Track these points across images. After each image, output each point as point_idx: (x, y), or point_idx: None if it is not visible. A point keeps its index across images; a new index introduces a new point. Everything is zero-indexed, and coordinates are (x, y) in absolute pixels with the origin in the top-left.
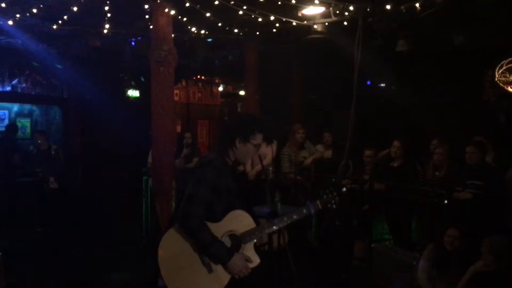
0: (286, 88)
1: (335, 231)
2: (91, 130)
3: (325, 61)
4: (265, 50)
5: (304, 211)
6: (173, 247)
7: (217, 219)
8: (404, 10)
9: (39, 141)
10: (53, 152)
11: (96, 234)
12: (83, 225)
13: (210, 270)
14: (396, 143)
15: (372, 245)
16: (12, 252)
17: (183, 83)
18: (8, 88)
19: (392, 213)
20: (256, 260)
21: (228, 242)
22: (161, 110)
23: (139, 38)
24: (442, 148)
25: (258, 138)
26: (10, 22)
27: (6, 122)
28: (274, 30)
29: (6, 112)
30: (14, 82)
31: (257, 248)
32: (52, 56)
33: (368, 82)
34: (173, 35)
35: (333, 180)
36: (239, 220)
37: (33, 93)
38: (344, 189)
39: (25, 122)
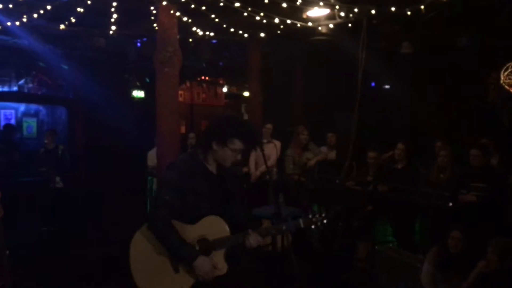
0: (289, 89)
1: (337, 232)
2: (96, 130)
3: (328, 63)
4: (269, 51)
5: (284, 227)
6: (143, 246)
7: (189, 220)
8: (408, 12)
9: (46, 141)
10: (60, 152)
11: (101, 233)
12: (88, 225)
13: (176, 271)
14: (400, 145)
15: (376, 247)
16: (17, 251)
17: (187, 84)
18: (15, 88)
19: (395, 215)
20: (224, 268)
21: (196, 247)
22: (166, 110)
23: (145, 39)
24: (446, 151)
25: (236, 143)
26: (17, 23)
27: (13, 122)
28: (279, 32)
29: (13, 112)
30: (20, 82)
31: (260, 249)
32: (58, 56)
33: (373, 84)
34: (178, 37)
35: (337, 181)
36: (213, 226)
37: (39, 93)
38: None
39: (32, 122)
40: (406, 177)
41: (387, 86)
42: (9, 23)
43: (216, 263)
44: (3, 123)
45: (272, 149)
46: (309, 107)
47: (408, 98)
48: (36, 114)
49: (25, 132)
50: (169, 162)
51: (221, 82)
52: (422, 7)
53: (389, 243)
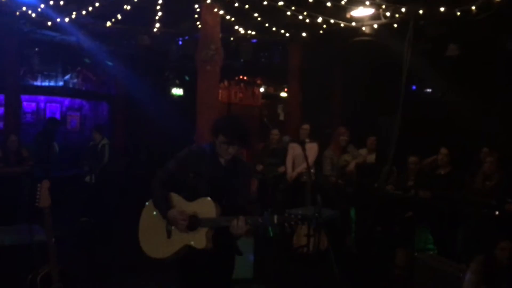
0: (329, 90)
1: (375, 238)
2: (136, 126)
3: (370, 64)
4: (309, 52)
5: (260, 220)
6: (149, 214)
7: (187, 196)
8: (458, 13)
9: (94, 136)
10: (99, 147)
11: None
12: (124, 218)
13: (169, 236)
14: (443, 150)
15: (415, 254)
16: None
17: (225, 83)
18: (61, 83)
19: (437, 223)
20: (202, 243)
21: (190, 220)
22: (206, 108)
23: (186, 37)
24: (492, 157)
25: (221, 137)
26: (66, 19)
27: (58, 115)
28: (321, 31)
29: (58, 106)
30: (66, 77)
31: (295, 250)
32: (103, 53)
33: (414, 87)
34: (220, 35)
35: (376, 185)
36: (205, 207)
37: (83, 88)
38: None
39: (75, 116)
40: (449, 184)
41: (429, 90)
42: (58, 20)
43: (200, 236)
44: (48, 116)
45: (310, 150)
46: (349, 109)
47: (452, 102)
48: (79, 109)
49: (68, 126)
50: None
51: (258, 82)
52: (473, 7)
53: (430, 251)
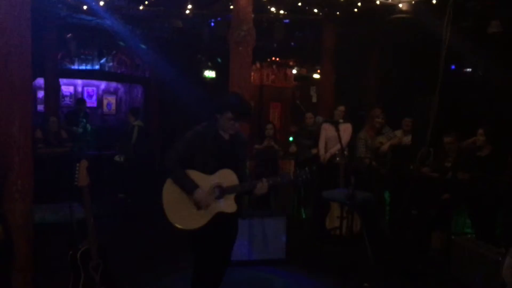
0: (363, 71)
1: (410, 221)
2: (170, 108)
3: (407, 43)
4: (344, 31)
5: (279, 179)
6: (171, 191)
7: (206, 172)
8: None
9: (128, 118)
10: (129, 128)
11: None
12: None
13: (198, 207)
14: (480, 131)
15: (453, 237)
16: (99, 217)
17: (257, 65)
18: (97, 67)
19: (476, 206)
20: (233, 207)
21: (216, 192)
22: (239, 90)
23: (219, 19)
24: None
25: (228, 114)
26: (101, 3)
27: (95, 98)
28: (356, 10)
29: (95, 89)
30: (102, 61)
31: (327, 232)
32: (137, 37)
33: (453, 67)
34: (252, 15)
35: (411, 167)
36: (227, 176)
37: (118, 72)
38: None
39: (111, 99)
40: (490, 166)
41: (469, 69)
42: (93, 3)
43: (229, 202)
44: (86, 99)
45: (344, 131)
46: (384, 90)
47: (495, 81)
48: (115, 92)
49: (105, 109)
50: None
51: (291, 63)
52: None
53: (467, 235)
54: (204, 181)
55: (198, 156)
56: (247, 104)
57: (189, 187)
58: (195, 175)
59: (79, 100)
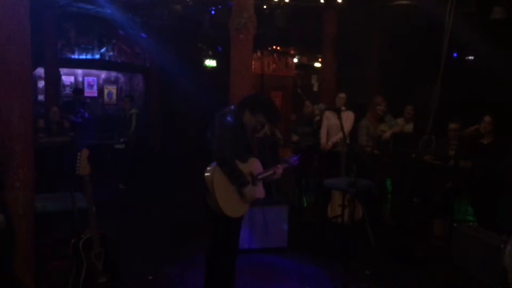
0: (365, 58)
1: (411, 208)
2: (170, 97)
3: (409, 30)
4: (345, 19)
5: (286, 163)
6: (221, 180)
7: (238, 159)
8: None
9: (123, 105)
10: (127, 116)
11: (174, 195)
12: (162, 187)
13: (241, 196)
14: (487, 118)
15: (454, 225)
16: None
17: (258, 53)
18: (97, 56)
19: (478, 193)
20: (263, 193)
21: (250, 179)
22: (239, 77)
23: (219, 6)
24: None
25: (261, 117)
26: None
27: (95, 88)
28: None
29: (95, 78)
30: (102, 50)
31: (329, 220)
32: (136, 25)
33: (455, 55)
34: (253, 2)
35: (413, 155)
36: (255, 164)
37: (119, 61)
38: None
39: (112, 89)
40: (492, 153)
41: (471, 57)
42: None
43: (260, 189)
44: (86, 89)
45: (346, 119)
46: (386, 78)
47: (497, 69)
48: (116, 81)
49: (106, 98)
50: (224, 110)
51: (292, 52)
52: None
53: (469, 223)
54: (242, 169)
55: (232, 143)
56: (279, 113)
57: (242, 181)
58: (237, 164)
59: (75, 90)
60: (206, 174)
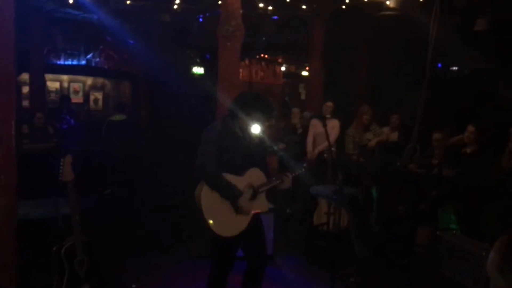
0: (352, 68)
1: (397, 216)
2: (158, 104)
3: (395, 40)
4: (332, 28)
5: (298, 172)
6: (209, 196)
7: (233, 171)
8: None
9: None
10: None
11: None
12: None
13: (237, 211)
14: (470, 128)
15: (438, 233)
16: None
17: (246, 61)
18: (84, 62)
19: (461, 202)
20: (266, 206)
21: (249, 192)
22: (227, 85)
23: (207, 14)
24: None
25: (257, 114)
26: None
27: (81, 94)
28: (344, 6)
29: (81, 85)
30: (89, 56)
31: (315, 228)
32: (124, 31)
33: (439, 65)
34: (241, 11)
35: (398, 163)
36: (255, 175)
37: (106, 67)
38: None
39: (98, 95)
40: (476, 163)
41: (455, 68)
42: None
43: (262, 201)
44: (72, 95)
45: (332, 127)
46: (373, 87)
47: (481, 79)
48: (102, 88)
49: (92, 105)
50: (207, 127)
51: (279, 61)
52: None
53: (453, 231)
54: (237, 183)
55: (224, 155)
56: (272, 103)
57: (233, 194)
58: (229, 178)
59: (63, 96)
60: (196, 190)
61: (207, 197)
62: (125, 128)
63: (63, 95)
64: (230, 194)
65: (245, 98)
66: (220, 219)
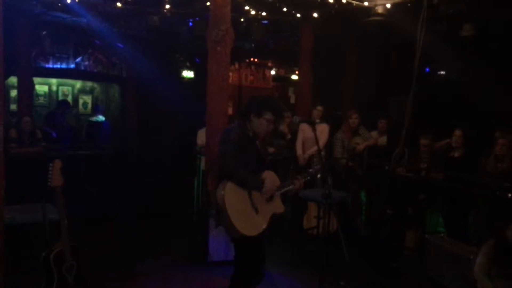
0: (341, 72)
1: (385, 220)
2: (148, 108)
3: (383, 46)
4: (321, 33)
5: (308, 176)
6: (234, 197)
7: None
8: None
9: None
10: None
11: (149, 206)
12: (137, 198)
13: (257, 212)
14: (457, 132)
15: (426, 236)
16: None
17: (236, 65)
18: (72, 66)
19: (449, 205)
20: (282, 207)
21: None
22: (217, 89)
23: (197, 18)
24: (504, 139)
25: (269, 114)
26: (76, 0)
27: (70, 98)
28: (332, 11)
29: (70, 88)
30: (77, 60)
31: (304, 232)
32: (113, 35)
33: (427, 70)
34: (230, 15)
35: (386, 167)
36: (270, 178)
37: (95, 71)
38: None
39: (87, 99)
40: (463, 166)
41: (442, 72)
42: (69, 0)
43: (277, 203)
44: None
45: (321, 132)
46: (361, 91)
47: (467, 84)
48: (91, 91)
49: (80, 108)
50: (225, 129)
51: (269, 64)
52: None
53: (440, 234)
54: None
55: (241, 157)
56: (281, 104)
57: (257, 183)
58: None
59: (63, 102)
60: (217, 192)
61: (230, 198)
62: (104, 128)
63: (63, 100)
64: (255, 184)
65: (256, 101)
66: (244, 219)
